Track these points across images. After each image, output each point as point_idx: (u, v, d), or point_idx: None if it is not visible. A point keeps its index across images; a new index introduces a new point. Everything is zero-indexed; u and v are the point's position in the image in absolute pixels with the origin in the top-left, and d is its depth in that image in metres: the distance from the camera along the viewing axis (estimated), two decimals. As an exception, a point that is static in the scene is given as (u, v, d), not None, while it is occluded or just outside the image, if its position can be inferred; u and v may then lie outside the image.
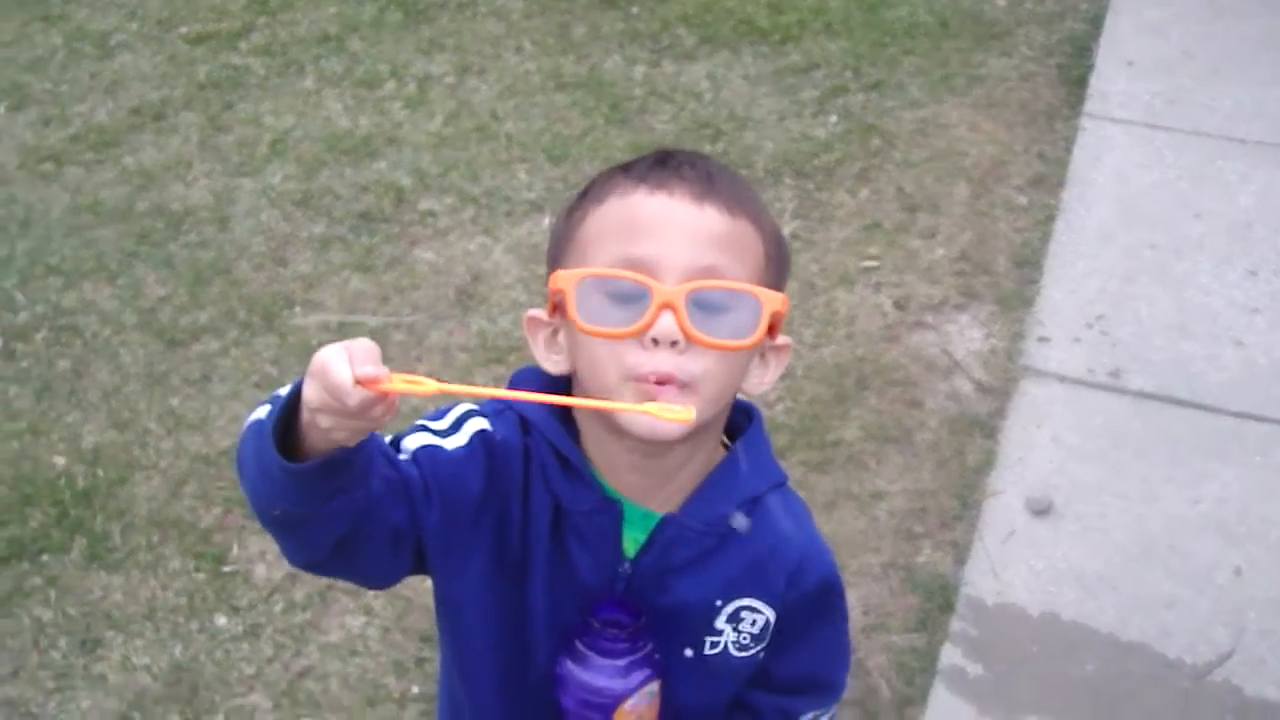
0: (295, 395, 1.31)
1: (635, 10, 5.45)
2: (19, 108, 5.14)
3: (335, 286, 4.20)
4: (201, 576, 3.32)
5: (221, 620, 3.23)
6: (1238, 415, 3.68)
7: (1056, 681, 3.05)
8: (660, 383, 1.41)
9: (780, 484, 1.63)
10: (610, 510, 1.54)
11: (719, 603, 1.60)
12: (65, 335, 4.06)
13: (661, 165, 1.47)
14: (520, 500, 1.55)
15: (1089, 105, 4.87)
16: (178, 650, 3.16)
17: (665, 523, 1.56)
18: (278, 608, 3.23)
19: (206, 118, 5.01)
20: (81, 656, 3.16)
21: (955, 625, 3.15)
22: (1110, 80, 5.00)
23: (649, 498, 1.56)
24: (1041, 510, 3.40)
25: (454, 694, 1.76)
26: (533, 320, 1.55)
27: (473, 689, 1.70)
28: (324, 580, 3.14)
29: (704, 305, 1.40)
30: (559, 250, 1.52)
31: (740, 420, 1.62)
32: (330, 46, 5.36)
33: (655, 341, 1.40)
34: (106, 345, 4.02)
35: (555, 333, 1.54)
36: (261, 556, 3.34)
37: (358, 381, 1.22)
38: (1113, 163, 4.61)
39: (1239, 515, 3.41)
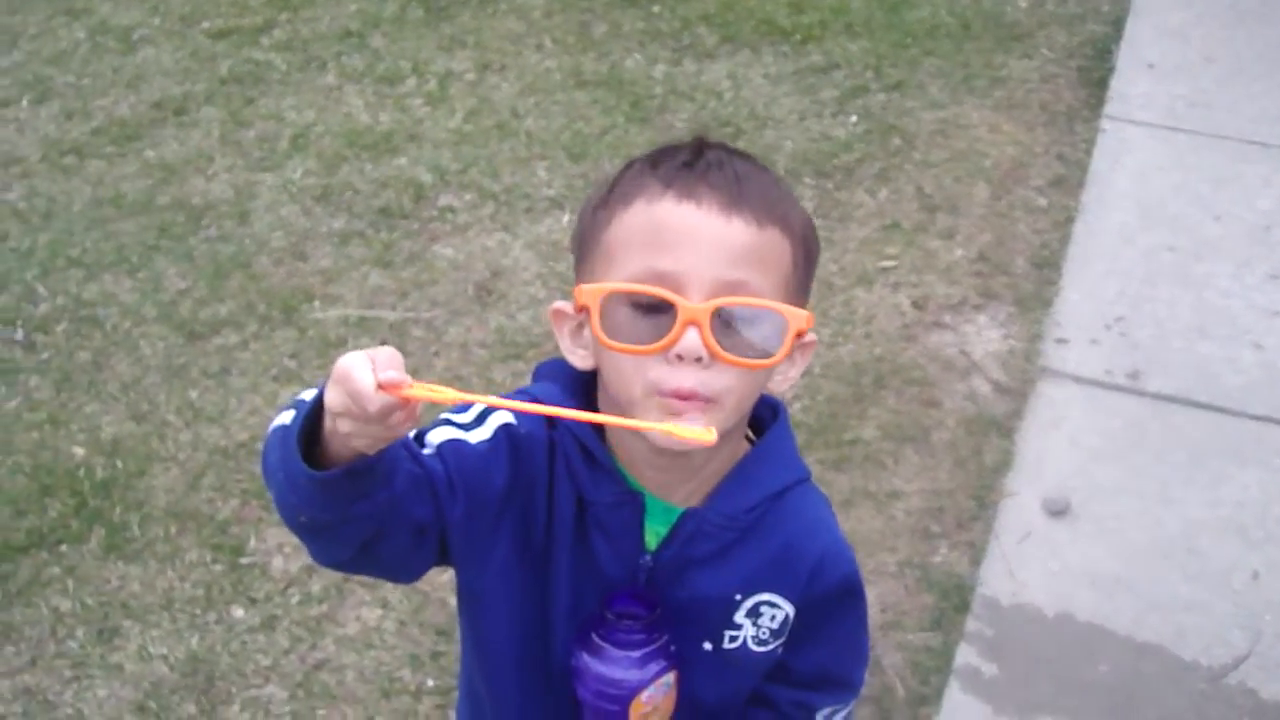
0: (317, 402, 1.32)
1: (656, 9, 5.46)
2: (42, 101, 5.17)
3: (354, 281, 4.21)
4: (219, 568, 3.33)
5: (238, 612, 3.24)
6: (1257, 418, 3.67)
7: (1071, 682, 3.04)
8: (684, 398, 1.41)
9: (804, 479, 1.63)
10: (633, 503, 1.55)
11: (739, 597, 1.60)
12: (85, 327, 4.08)
13: (689, 167, 1.45)
14: (545, 493, 1.56)
15: (1109, 107, 4.86)
16: (194, 641, 3.17)
17: (687, 516, 1.56)
18: (294, 600, 3.24)
19: (228, 112, 5.03)
20: (99, 646, 3.17)
21: (971, 625, 3.14)
22: (1131, 82, 4.99)
23: (671, 492, 1.56)
24: (1058, 511, 3.39)
25: (474, 687, 1.77)
26: (558, 313, 1.54)
27: (493, 681, 1.70)
28: (341, 573, 3.15)
29: (729, 320, 1.40)
30: (585, 250, 1.51)
31: (765, 415, 1.62)
32: (352, 43, 5.38)
33: (680, 357, 1.40)
34: (127, 337, 4.03)
35: (580, 326, 1.53)
36: (279, 549, 3.35)
37: (380, 386, 1.23)
38: (1133, 165, 4.61)
39: (1257, 518, 3.40)
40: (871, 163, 4.63)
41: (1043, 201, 4.47)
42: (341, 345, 3.94)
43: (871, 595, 3.14)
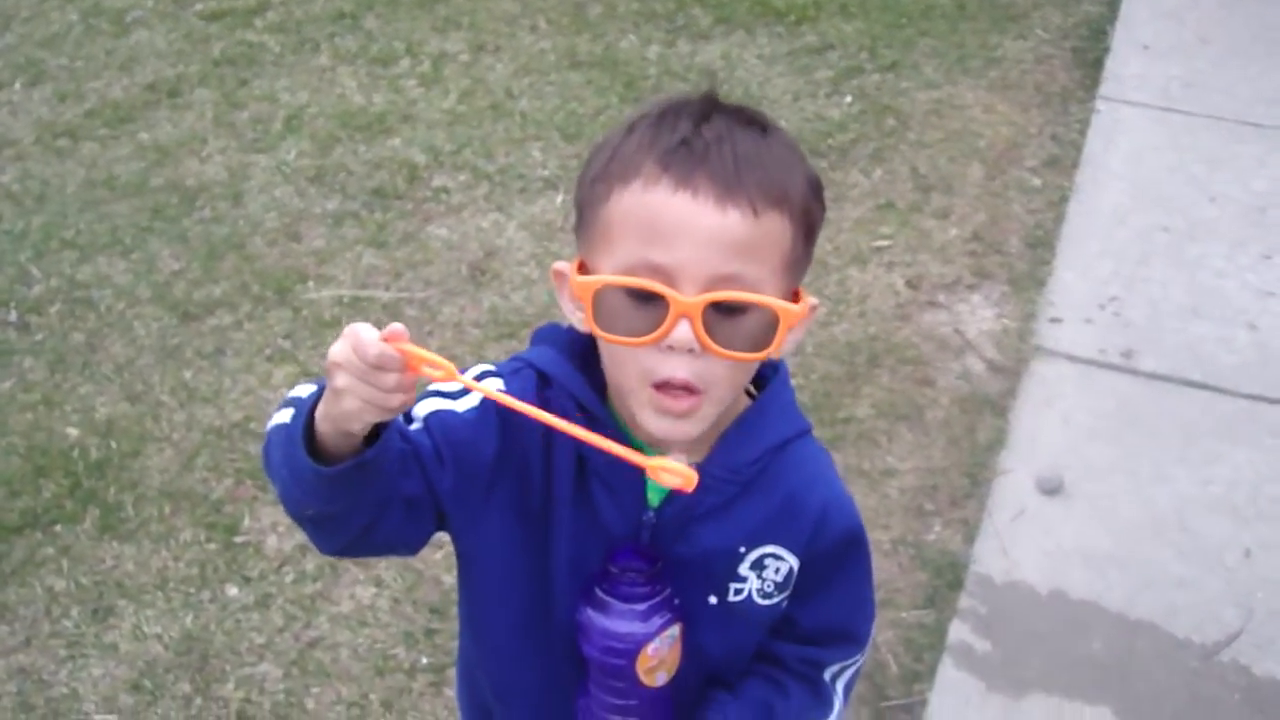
0: (315, 399, 1.36)
1: (651, -10, 5.45)
2: (35, 83, 5.16)
3: (348, 262, 4.20)
4: (213, 547, 3.33)
5: (232, 590, 3.24)
6: (1250, 397, 3.67)
7: (1064, 659, 3.04)
8: (677, 388, 1.43)
9: (805, 432, 1.63)
10: None
11: (743, 549, 1.60)
12: (79, 308, 4.08)
13: (688, 147, 1.43)
14: (542, 454, 1.56)
15: (1104, 88, 4.86)
16: (189, 620, 3.17)
17: None
18: (288, 578, 3.25)
19: (221, 94, 5.03)
20: (93, 625, 3.18)
21: (964, 602, 3.15)
22: (1126, 63, 4.99)
23: (681, 443, 1.56)
24: (1052, 489, 3.40)
25: (471, 670, 1.79)
26: (559, 274, 1.54)
27: (493, 655, 1.71)
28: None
29: (722, 312, 1.40)
30: (584, 217, 1.50)
31: (765, 370, 1.62)
32: (345, 24, 5.37)
33: (672, 348, 1.41)
34: (120, 319, 4.03)
35: None
36: (273, 528, 3.35)
37: (383, 338, 1.28)
38: (1127, 145, 4.61)
39: (1250, 497, 3.40)
40: (866, 143, 4.63)
41: (1037, 182, 4.47)
42: (335, 325, 3.94)
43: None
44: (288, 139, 4.76)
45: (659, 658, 1.57)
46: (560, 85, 4.97)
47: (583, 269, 1.48)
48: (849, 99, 4.85)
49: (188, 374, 3.82)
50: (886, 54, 5.09)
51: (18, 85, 5.14)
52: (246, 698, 3.01)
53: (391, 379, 1.30)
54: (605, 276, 1.43)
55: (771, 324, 1.43)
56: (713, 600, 1.62)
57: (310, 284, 4.12)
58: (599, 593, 1.56)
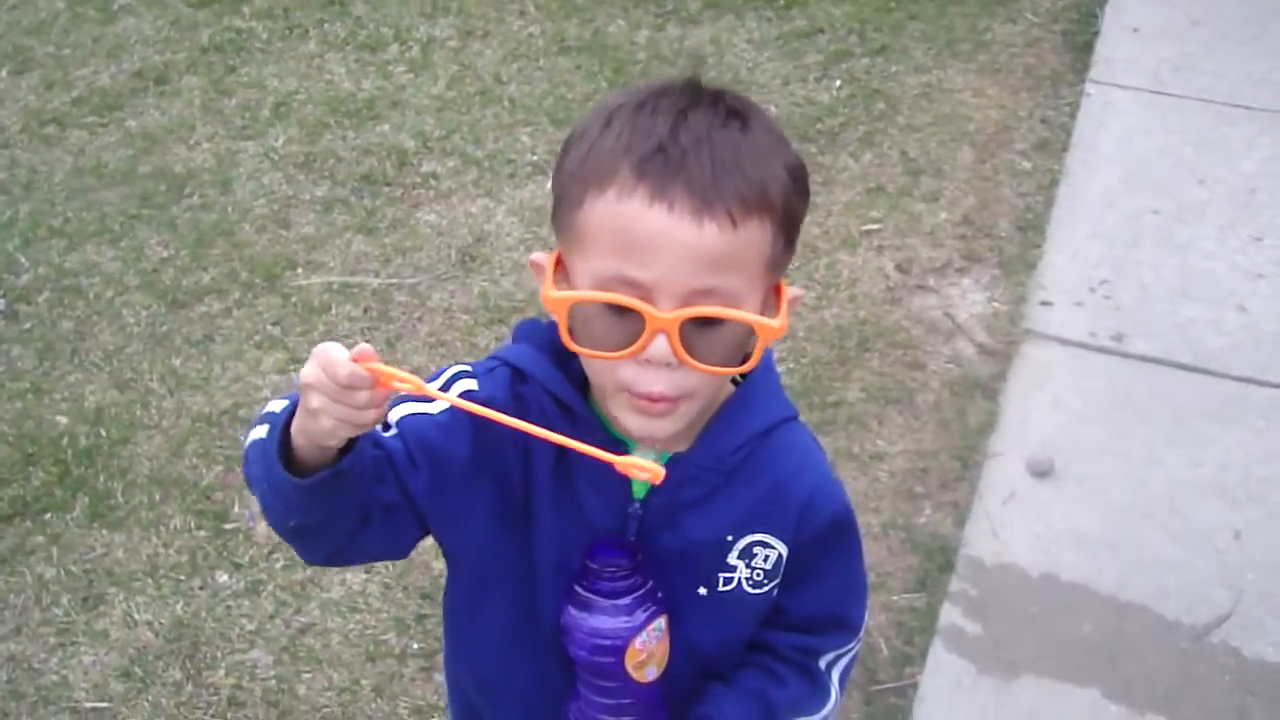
0: (289, 414, 1.38)
1: (639, -26, 5.43)
2: (22, 71, 5.14)
3: (338, 248, 4.19)
4: (203, 534, 3.33)
5: (223, 577, 3.23)
6: (1240, 379, 3.67)
7: (1055, 642, 3.05)
8: (655, 400, 1.42)
9: (790, 418, 1.62)
10: (616, 451, 1.53)
11: (730, 538, 1.59)
12: (68, 296, 4.07)
13: (664, 154, 1.39)
14: (520, 453, 1.55)
15: (1094, 71, 4.86)
16: (179, 607, 3.17)
17: (673, 462, 1.55)
18: (279, 565, 3.24)
19: (209, 81, 5.01)
20: (83, 613, 3.17)
21: (955, 585, 3.15)
22: (1116, 46, 4.98)
23: (660, 440, 1.55)
24: (1042, 472, 3.40)
25: (462, 685, 1.78)
26: (536, 265, 1.53)
27: (480, 649, 1.70)
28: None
29: (700, 325, 1.39)
30: (559, 213, 1.47)
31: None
32: (333, 10, 5.36)
33: (649, 360, 1.40)
34: (109, 306, 4.02)
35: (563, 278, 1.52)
36: (263, 515, 3.34)
37: (353, 359, 1.30)
38: (1117, 128, 4.60)
39: (1240, 479, 3.40)
40: (855, 127, 4.62)
41: (1027, 165, 4.47)
42: (325, 312, 3.93)
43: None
44: (276, 126, 4.75)
45: (647, 651, 1.55)
46: (549, 70, 4.96)
47: (560, 264, 1.46)
48: (838, 83, 4.84)
49: (177, 361, 3.81)
50: (876, 38, 5.08)
51: (4, 73, 5.12)
52: (237, 684, 3.01)
53: (363, 397, 1.31)
54: (578, 293, 1.41)
55: (751, 333, 1.42)
56: (702, 591, 1.61)
57: (299, 271, 4.11)
58: (580, 590, 1.55)
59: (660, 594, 1.56)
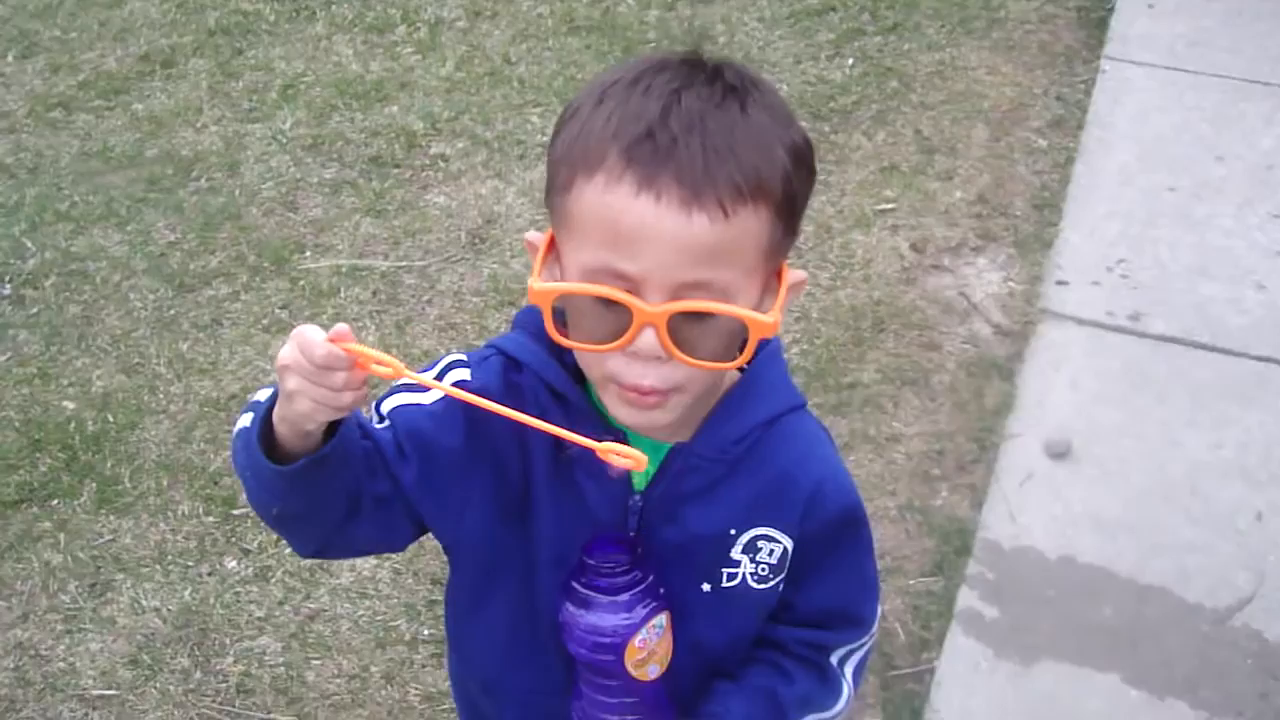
0: (272, 402, 1.36)
1: (649, -47, 5.38)
2: (28, 55, 5.11)
3: (346, 231, 4.16)
4: (211, 520, 3.30)
5: (231, 563, 3.21)
6: (1260, 359, 3.63)
7: (1074, 625, 3.01)
8: (644, 393, 1.38)
9: (797, 407, 1.57)
10: (616, 442, 1.49)
11: (734, 532, 1.55)
12: (75, 281, 4.04)
13: (653, 140, 1.32)
14: (517, 444, 1.51)
15: (1109, 48, 4.82)
16: (187, 593, 3.14)
17: (674, 452, 1.51)
18: (288, 551, 3.21)
19: (216, 64, 4.98)
20: (91, 600, 3.14)
21: (972, 568, 3.11)
22: (1131, 23, 4.94)
23: (655, 430, 1.51)
24: (1060, 453, 3.36)
25: (465, 686, 1.76)
26: (531, 245, 1.49)
27: (480, 646, 1.67)
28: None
29: (690, 317, 1.34)
30: (551, 196, 1.43)
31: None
32: (341, -9, 5.31)
33: (638, 353, 1.35)
34: (116, 291, 3.99)
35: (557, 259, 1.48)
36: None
37: (329, 339, 1.28)
38: (1133, 105, 4.55)
39: (1261, 459, 3.36)
40: (869, 105, 4.58)
41: (1042, 143, 4.42)
42: (333, 295, 3.90)
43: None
44: (284, 108, 4.71)
45: (648, 649, 1.51)
46: (558, 50, 4.92)
47: (552, 245, 1.42)
48: (851, 61, 4.79)
49: (184, 345, 3.78)
50: (888, 15, 5.03)
51: (10, 57, 5.08)
52: (246, 671, 2.98)
53: (340, 378, 1.29)
54: (563, 285, 1.37)
55: (740, 334, 1.37)
56: (706, 587, 1.56)
57: (308, 254, 4.08)
58: (578, 587, 1.50)
59: (661, 590, 1.52)
